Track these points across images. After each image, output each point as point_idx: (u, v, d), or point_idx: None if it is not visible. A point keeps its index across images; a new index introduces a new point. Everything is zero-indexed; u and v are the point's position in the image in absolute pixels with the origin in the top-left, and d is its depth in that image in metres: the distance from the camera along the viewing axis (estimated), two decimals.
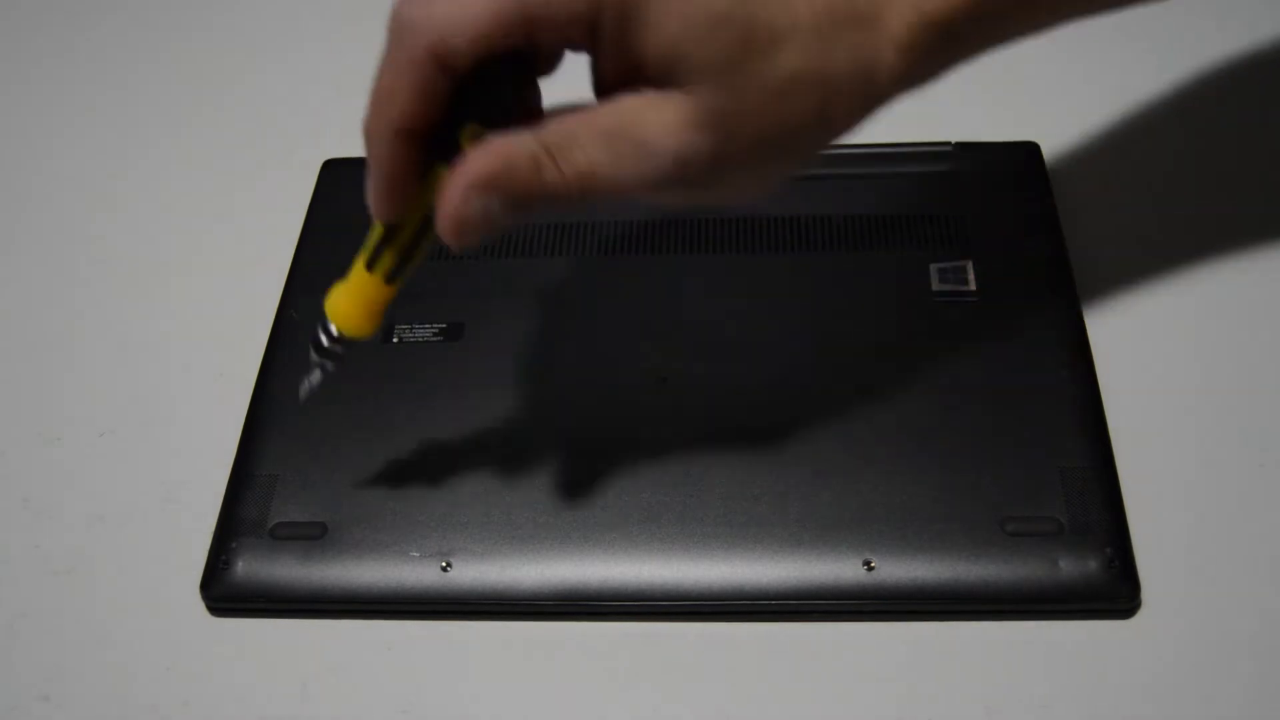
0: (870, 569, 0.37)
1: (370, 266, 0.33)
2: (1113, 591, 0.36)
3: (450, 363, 0.42)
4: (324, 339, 0.34)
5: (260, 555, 0.38)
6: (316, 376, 0.35)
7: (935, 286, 0.43)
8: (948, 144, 0.48)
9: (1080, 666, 0.36)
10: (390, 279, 0.33)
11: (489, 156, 0.29)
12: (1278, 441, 0.40)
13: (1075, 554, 0.36)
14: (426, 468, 0.39)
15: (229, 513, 0.39)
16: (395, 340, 0.43)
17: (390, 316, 0.44)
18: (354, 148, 0.51)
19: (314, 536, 0.38)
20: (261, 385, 0.43)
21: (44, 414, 0.44)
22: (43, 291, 0.49)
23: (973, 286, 0.43)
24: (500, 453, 0.40)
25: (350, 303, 0.33)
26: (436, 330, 0.43)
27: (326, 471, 0.40)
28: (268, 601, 0.38)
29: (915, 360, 0.41)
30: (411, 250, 0.32)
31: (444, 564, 0.38)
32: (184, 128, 0.54)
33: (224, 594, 0.38)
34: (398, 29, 0.29)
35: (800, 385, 0.41)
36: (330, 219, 0.48)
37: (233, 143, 0.53)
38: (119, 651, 0.38)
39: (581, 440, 0.40)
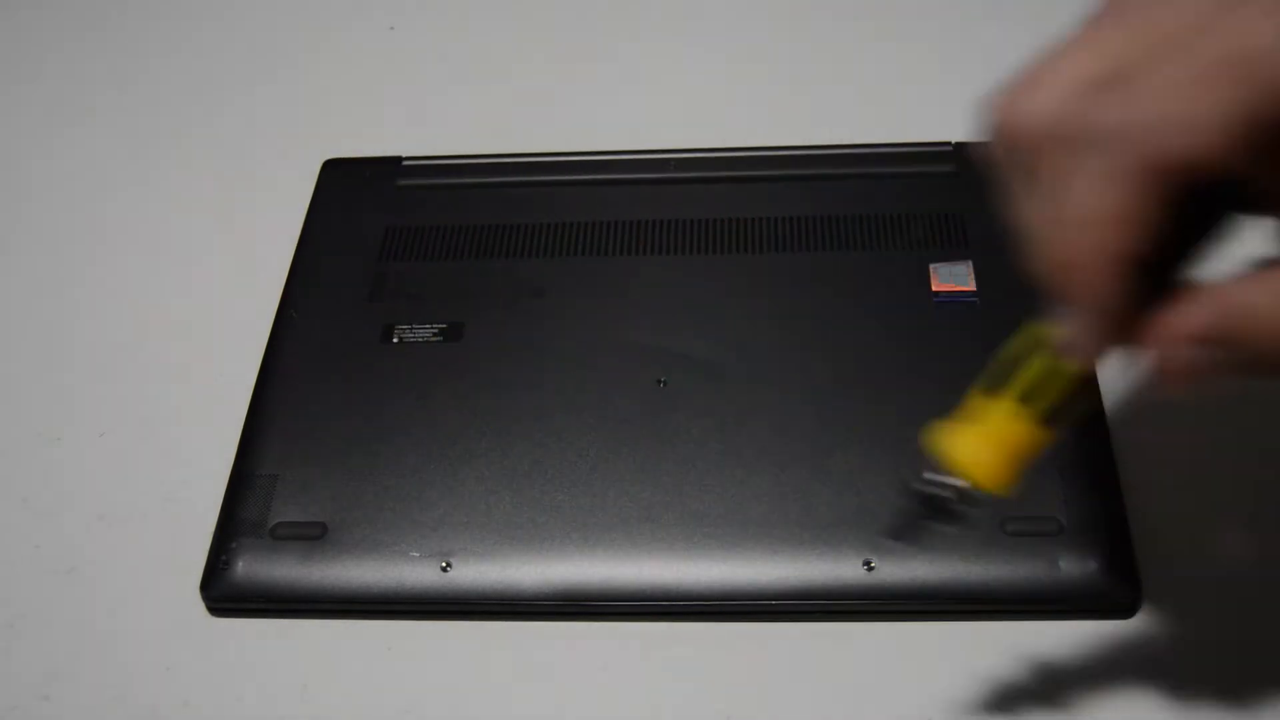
0: (870, 569, 0.37)
1: (1045, 418, 0.26)
2: (1112, 592, 0.36)
3: (450, 363, 0.42)
4: (949, 497, 0.26)
5: (260, 555, 0.38)
6: (923, 539, 0.28)
7: (935, 287, 0.43)
8: (948, 144, 0.48)
9: (1080, 666, 0.36)
10: (1052, 422, 0.26)
11: (1231, 306, 0.25)
12: (1278, 442, 0.40)
13: (1075, 554, 0.36)
14: (427, 468, 0.39)
15: (229, 513, 0.39)
16: (395, 340, 0.43)
17: (390, 317, 0.44)
18: (354, 148, 0.51)
19: (314, 537, 0.38)
20: (261, 385, 0.42)
21: (44, 414, 0.44)
22: (43, 292, 0.49)
23: (972, 287, 0.43)
24: (500, 453, 0.40)
25: (996, 453, 0.26)
26: (436, 330, 0.43)
27: (327, 472, 0.40)
28: (268, 602, 0.38)
29: (915, 361, 0.41)
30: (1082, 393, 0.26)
31: (444, 564, 0.38)
32: (184, 128, 0.54)
33: (224, 594, 0.38)
34: (1113, 134, 0.24)
35: (799, 386, 0.41)
36: (330, 219, 0.48)
37: (233, 143, 0.53)
38: (119, 651, 0.38)
39: (580, 440, 0.40)
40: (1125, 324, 0.25)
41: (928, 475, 0.26)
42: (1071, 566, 0.36)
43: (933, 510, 0.27)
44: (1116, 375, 0.41)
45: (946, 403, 0.40)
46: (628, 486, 0.39)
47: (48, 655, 0.38)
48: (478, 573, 0.37)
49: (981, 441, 0.26)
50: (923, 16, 0.56)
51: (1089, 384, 0.26)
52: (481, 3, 0.59)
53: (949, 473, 0.26)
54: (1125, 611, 0.36)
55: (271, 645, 0.38)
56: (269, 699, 0.36)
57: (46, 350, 0.46)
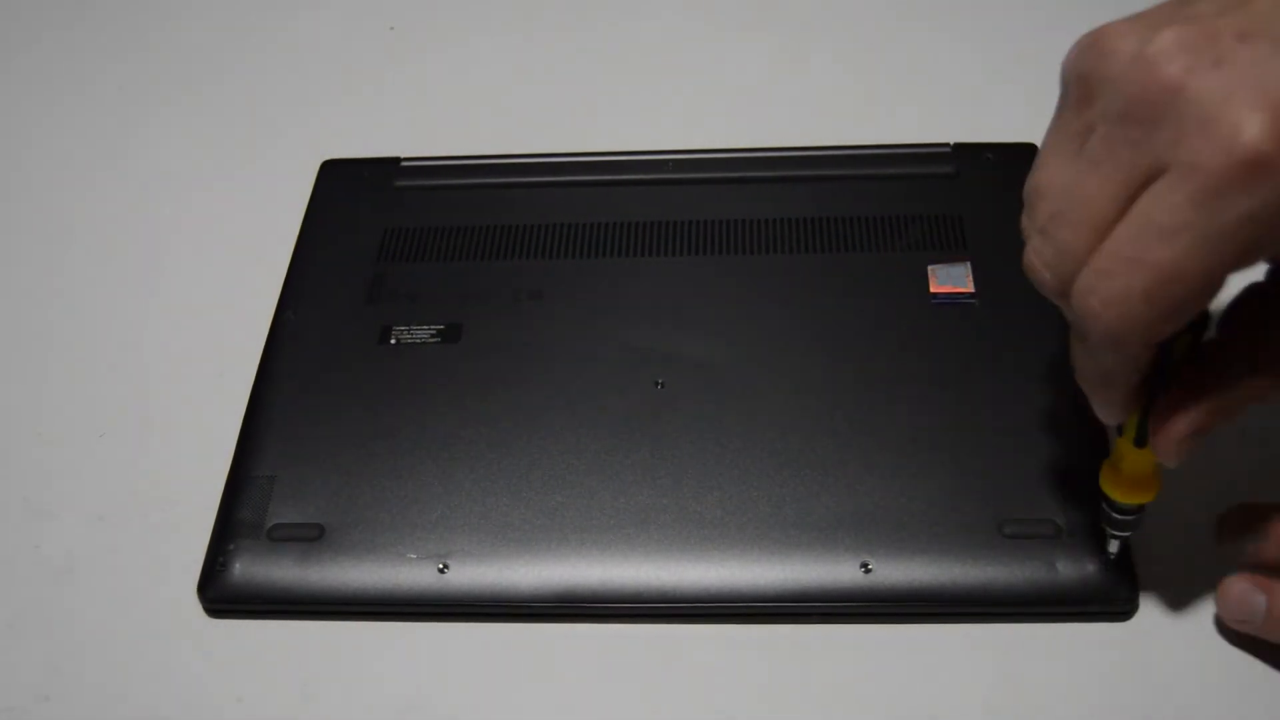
0: (867, 571, 0.37)
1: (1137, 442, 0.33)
2: (1110, 594, 0.36)
3: (448, 364, 0.42)
4: (1112, 516, 0.35)
5: (258, 557, 0.38)
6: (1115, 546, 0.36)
7: (933, 288, 0.43)
8: (946, 145, 0.48)
9: (1078, 670, 0.36)
10: (1139, 443, 0.33)
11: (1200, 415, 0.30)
12: (1277, 445, 0.40)
13: (1073, 557, 0.36)
14: (424, 469, 0.39)
15: (226, 514, 0.39)
16: (393, 341, 0.43)
17: (388, 318, 0.44)
18: (354, 148, 0.51)
19: (311, 538, 0.38)
20: (259, 387, 0.43)
21: (44, 414, 0.44)
22: (43, 292, 0.49)
23: (971, 289, 0.43)
24: (497, 455, 0.40)
25: (1123, 478, 0.34)
26: (434, 331, 0.43)
27: (324, 473, 0.40)
28: (265, 603, 0.38)
29: (913, 362, 0.41)
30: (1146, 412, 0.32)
31: (441, 566, 0.38)
32: (183, 128, 0.54)
33: (221, 596, 0.38)
34: (1110, 332, 0.27)
35: (797, 387, 0.41)
36: (328, 220, 0.48)
37: (232, 143, 0.53)
38: (119, 652, 0.38)
39: (578, 442, 0.40)
40: (1133, 401, 0.31)
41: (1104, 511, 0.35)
42: (1069, 569, 0.36)
43: (1113, 528, 0.35)
44: None
45: (945, 404, 0.40)
46: (625, 488, 0.39)
47: (48, 655, 0.38)
48: (475, 574, 0.37)
49: (1111, 472, 0.34)
50: (922, 18, 0.56)
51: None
52: (481, 3, 0.59)
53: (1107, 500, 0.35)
54: (1123, 614, 0.36)
55: (269, 647, 0.38)
56: (267, 701, 0.37)
57: (46, 350, 0.46)
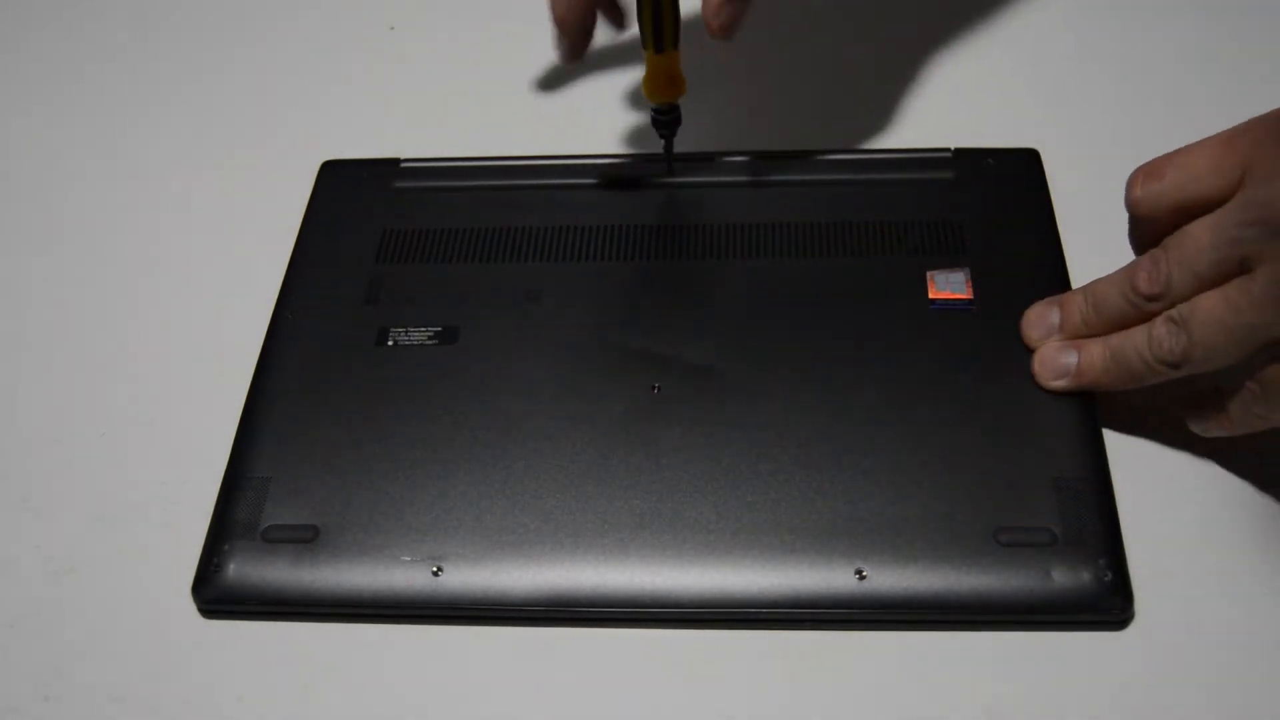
0: (862, 578, 0.37)
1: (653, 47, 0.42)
2: (1106, 603, 0.36)
3: (444, 366, 0.42)
4: (655, 116, 0.45)
5: (252, 558, 0.38)
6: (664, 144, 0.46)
7: (932, 294, 0.43)
8: (947, 150, 0.47)
9: (1073, 678, 0.35)
10: (658, 49, 0.43)
11: None
12: (1272, 453, 0.40)
13: (1068, 565, 0.36)
14: (419, 472, 0.40)
15: (221, 515, 0.39)
16: (390, 343, 0.43)
17: (385, 320, 0.44)
18: (354, 148, 0.51)
19: (306, 540, 0.38)
20: (256, 387, 0.43)
21: (44, 414, 0.44)
22: (42, 292, 0.49)
23: (969, 294, 0.43)
24: (493, 457, 0.40)
25: (650, 81, 0.44)
26: (431, 333, 0.43)
27: (319, 474, 0.40)
28: (259, 605, 0.38)
29: (910, 368, 0.41)
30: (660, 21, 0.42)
31: (435, 569, 0.38)
32: (183, 128, 0.54)
33: (215, 596, 0.38)
34: None
35: (794, 392, 0.41)
36: (328, 221, 0.48)
37: (232, 143, 0.53)
38: (119, 652, 0.38)
39: (574, 446, 0.40)
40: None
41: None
42: (1064, 578, 0.36)
43: (658, 129, 0.45)
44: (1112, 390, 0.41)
45: (941, 410, 0.40)
46: (620, 492, 0.39)
47: (48, 655, 0.38)
48: (469, 578, 0.37)
49: (645, 80, 0.44)
50: (923, 22, 0.56)
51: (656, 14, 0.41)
52: (481, 3, 0.58)
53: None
54: (1118, 623, 0.36)
55: (263, 649, 0.38)
56: (263, 702, 0.37)
57: (46, 350, 0.47)
